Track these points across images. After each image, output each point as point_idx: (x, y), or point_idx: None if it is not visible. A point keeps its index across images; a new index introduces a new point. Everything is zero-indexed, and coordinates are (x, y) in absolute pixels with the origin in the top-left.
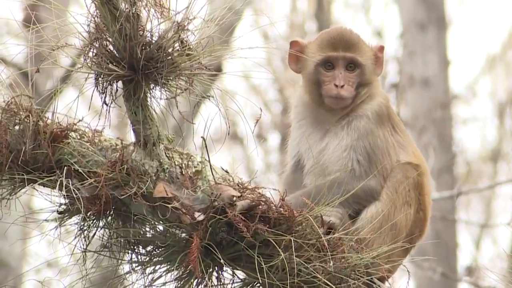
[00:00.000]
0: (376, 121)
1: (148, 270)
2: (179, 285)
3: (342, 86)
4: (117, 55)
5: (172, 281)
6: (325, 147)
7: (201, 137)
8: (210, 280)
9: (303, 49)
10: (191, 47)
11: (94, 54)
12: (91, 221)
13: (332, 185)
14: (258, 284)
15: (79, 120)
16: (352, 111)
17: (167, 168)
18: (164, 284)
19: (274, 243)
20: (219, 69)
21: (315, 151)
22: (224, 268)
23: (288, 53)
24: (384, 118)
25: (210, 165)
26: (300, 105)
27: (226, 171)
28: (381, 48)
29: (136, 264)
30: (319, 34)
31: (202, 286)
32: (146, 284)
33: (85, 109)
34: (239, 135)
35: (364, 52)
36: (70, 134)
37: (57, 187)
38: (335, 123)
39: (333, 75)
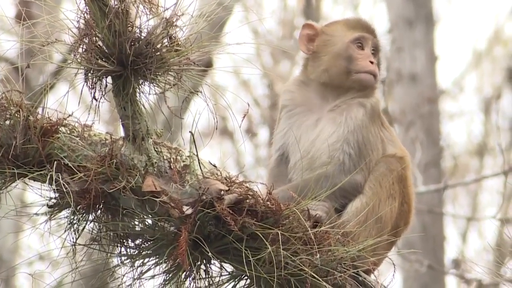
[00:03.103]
0: (370, 115)
1: (137, 263)
2: (167, 278)
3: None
4: (106, 51)
5: (160, 273)
6: (317, 136)
7: (190, 131)
8: (198, 273)
9: (320, 31)
10: (179, 43)
11: (84, 50)
12: (81, 215)
13: (319, 178)
14: (246, 277)
15: (69, 115)
16: (350, 99)
17: (155, 162)
18: (152, 276)
19: (261, 236)
20: (209, 64)
21: (306, 140)
22: (212, 261)
23: (300, 35)
24: (376, 113)
25: (198, 160)
26: (295, 91)
27: (214, 166)
28: None
29: (125, 257)
30: (340, 19)
31: (190, 278)
32: (135, 277)
33: (75, 104)
34: (229, 129)
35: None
36: (60, 129)
37: (47, 181)
38: (329, 110)
39: (366, 53)
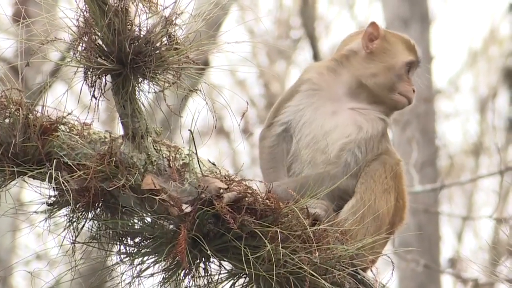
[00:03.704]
0: (385, 131)
1: (136, 261)
2: (166, 276)
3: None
4: (106, 49)
5: (159, 272)
6: (332, 129)
7: (189, 130)
8: (197, 271)
9: (382, 36)
10: (178, 41)
11: (83, 48)
12: (80, 213)
13: (324, 178)
14: (245, 275)
15: (69, 114)
16: (373, 108)
17: (155, 160)
18: (152, 275)
19: (260, 234)
20: (206, 63)
21: (318, 128)
22: (211, 259)
23: (366, 30)
24: (387, 130)
25: (198, 158)
26: (325, 74)
27: (213, 164)
28: None
29: (125, 255)
30: (396, 32)
31: (189, 277)
32: (134, 275)
33: (75, 103)
34: (226, 129)
35: None
36: (60, 127)
37: (47, 180)
38: (349, 109)
39: (411, 80)
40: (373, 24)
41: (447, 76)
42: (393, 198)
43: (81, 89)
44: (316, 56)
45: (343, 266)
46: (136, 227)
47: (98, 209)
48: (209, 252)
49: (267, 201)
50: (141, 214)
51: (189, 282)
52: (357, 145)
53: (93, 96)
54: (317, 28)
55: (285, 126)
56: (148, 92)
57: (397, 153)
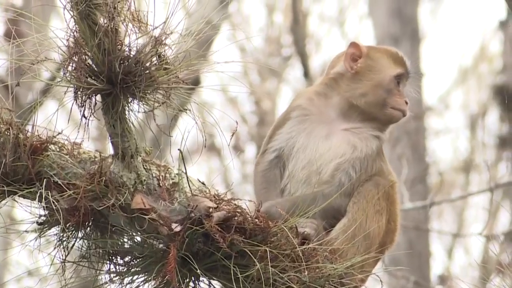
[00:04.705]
0: (380, 149)
1: (126, 280)
2: None
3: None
4: (95, 69)
5: None
6: (327, 150)
7: (178, 149)
8: None
9: (365, 54)
10: (168, 61)
11: (73, 68)
12: (70, 232)
13: (316, 197)
14: None
15: (59, 133)
16: (366, 127)
17: (144, 180)
18: None
19: (250, 253)
20: (197, 82)
21: (312, 151)
22: (201, 278)
23: (347, 52)
24: (382, 146)
25: (187, 177)
26: (314, 99)
27: (203, 183)
28: None
29: (114, 274)
30: (380, 47)
31: None
32: None
33: (65, 122)
34: (217, 146)
35: None
36: (50, 146)
37: (37, 199)
38: (342, 130)
39: (402, 92)
40: (353, 44)
41: (437, 93)
42: (384, 219)
43: (71, 109)
44: (306, 74)
45: (332, 285)
46: (125, 246)
47: (88, 228)
48: (198, 271)
49: (257, 220)
50: (130, 233)
51: None
52: (352, 165)
53: (83, 115)
54: (307, 46)
55: (277, 152)
56: (138, 111)
57: (392, 173)
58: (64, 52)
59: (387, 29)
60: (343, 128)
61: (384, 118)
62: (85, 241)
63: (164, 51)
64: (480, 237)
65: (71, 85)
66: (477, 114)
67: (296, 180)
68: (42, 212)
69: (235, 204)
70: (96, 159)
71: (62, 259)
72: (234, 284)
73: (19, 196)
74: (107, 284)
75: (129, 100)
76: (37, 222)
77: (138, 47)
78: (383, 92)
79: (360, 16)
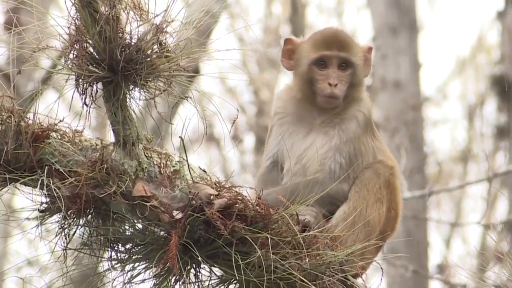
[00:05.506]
0: (363, 125)
1: (127, 268)
2: (157, 282)
3: (335, 85)
4: (97, 57)
5: (150, 278)
6: (309, 146)
7: (179, 137)
8: (188, 277)
9: (297, 47)
10: (169, 49)
11: (74, 56)
12: (72, 220)
13: (309, 183)
14: (235, 281)
15: (60, 121)
16: (341, 111)
17: (146, 167)
18: (143, 281)
19: (250, 240)
20: (196, 71)
21: (298, 149)
22: (202, 266)
23: (282, 50)
24: (369, 123)
25: (188, 165)
26: (287, 100)
27: (204, 171)
28: (370, 49)
29: (116, 262)
30: (312, 34)
31: (180, 283)
32: (125, 281)
33: (66, 110)
34: (216, 136)
35: (357, 52)
36: (51, 134)
37: (38, 186)
38: (321, 123)
39: (327, 74)
40: (286, 41)
41: (435, 84)
42: (385, 208)
43: (72, 96)
44: None
45: (332, 272)
46: (127, 233)
47: (90, 216)
48: (199, 258)
49: (258, 207)
50: (132, 220)
51: None
52: (337, 151)
53: (84, 103)
54: (306, 36)
55: (272, 159)
56: (139, 99)
57: (391, 155)
58: (65, 40)
59: (385, 19)
60: (319, 121)
61: (323, 106)
62: (87, 228)
63: (165, 39)
64: (478, 226)
65: (72, 73)
66: (475, 104)
67: (292, 173)
68: (44, 199)
69: (236, 192)
70: (97, 147)
71: (63, 246)
72: (235, 271)
73: (20, 183)
74: (109, 272)
75: (130, 88)
76: (38, 209)
77: (139, 35)
78: (307, 84)
79: (358, 6)
